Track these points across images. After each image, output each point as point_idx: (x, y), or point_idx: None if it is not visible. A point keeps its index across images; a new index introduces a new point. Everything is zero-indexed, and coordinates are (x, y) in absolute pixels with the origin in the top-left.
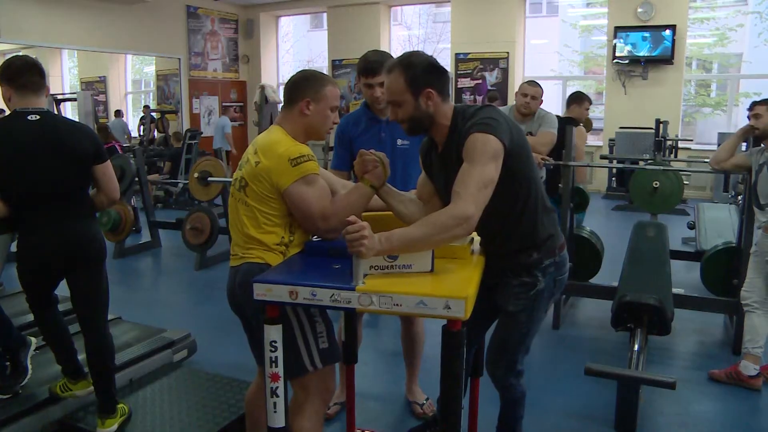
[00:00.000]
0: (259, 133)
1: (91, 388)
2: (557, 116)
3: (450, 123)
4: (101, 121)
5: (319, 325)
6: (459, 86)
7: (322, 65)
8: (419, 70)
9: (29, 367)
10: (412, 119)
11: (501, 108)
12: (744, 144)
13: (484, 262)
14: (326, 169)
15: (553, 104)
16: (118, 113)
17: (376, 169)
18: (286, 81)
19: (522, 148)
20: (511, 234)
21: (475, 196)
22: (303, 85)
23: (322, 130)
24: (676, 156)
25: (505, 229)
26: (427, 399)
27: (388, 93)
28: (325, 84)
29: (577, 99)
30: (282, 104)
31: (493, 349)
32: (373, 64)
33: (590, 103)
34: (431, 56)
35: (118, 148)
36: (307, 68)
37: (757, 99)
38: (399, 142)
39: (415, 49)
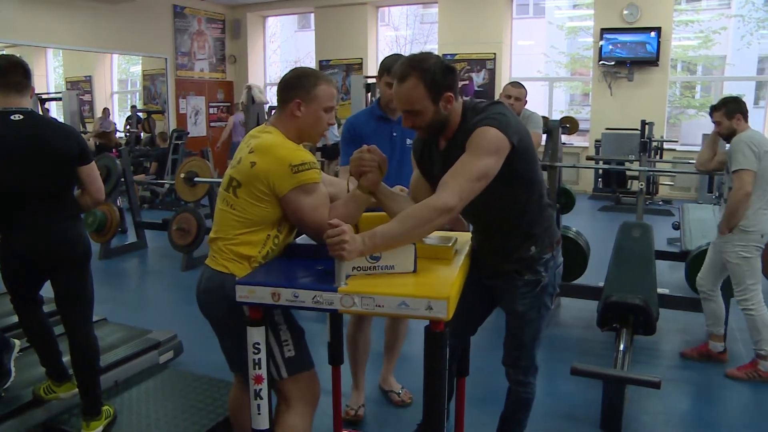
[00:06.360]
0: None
1: (76, 390)
2: None
3: (460, 119)
4: (86, 121)
5: (283, 333)
6: None
7: (310, 65)
8: (438, 74)
9: (12, 369)
10: (431, 125)
11: None
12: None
13: (479, 258)
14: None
15: (539, 105)
16: (105, 111)
17: (371, 172)
18: (274, 80)
19: (528, 149)
20: (511, 232)
21: (461, 188)
22: (294, 84)
23: (314, 133)
24: (661, 157)
25: (504, 228)
26: (402, 388)
27: (405, 102)
28: (317, 83)
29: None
30: (276, 104)
31: (510, 351)
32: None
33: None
34: (440, 57)
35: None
36: (301, 66)
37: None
38: (408, 141)
39: (405, 50)
